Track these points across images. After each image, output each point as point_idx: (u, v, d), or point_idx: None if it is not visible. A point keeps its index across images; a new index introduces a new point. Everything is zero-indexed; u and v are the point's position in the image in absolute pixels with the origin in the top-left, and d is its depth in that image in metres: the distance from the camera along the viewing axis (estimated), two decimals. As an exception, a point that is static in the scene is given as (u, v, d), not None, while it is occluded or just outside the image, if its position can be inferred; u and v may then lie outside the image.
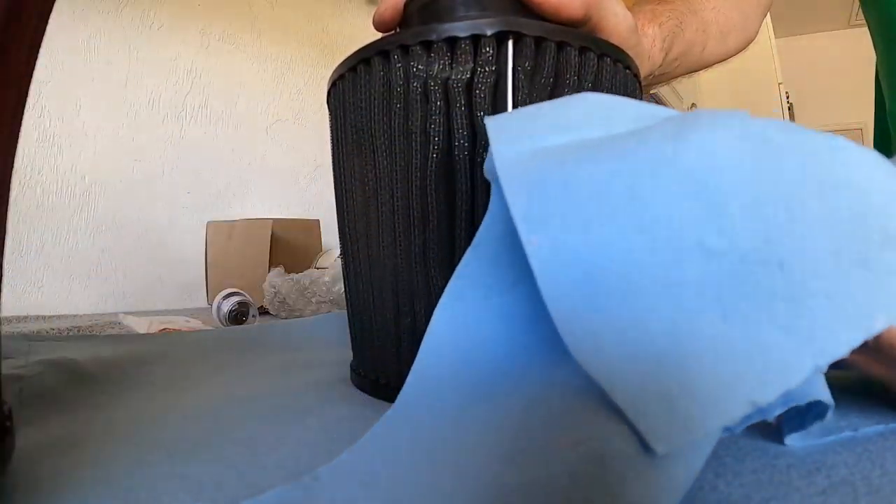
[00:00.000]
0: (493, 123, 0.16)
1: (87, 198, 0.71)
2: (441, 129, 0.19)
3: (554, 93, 0.20)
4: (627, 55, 0.22)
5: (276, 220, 0.69)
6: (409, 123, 0.20)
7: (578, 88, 0.20)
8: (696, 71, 0.43)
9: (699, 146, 0.13)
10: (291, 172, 0.95)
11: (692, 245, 0.12)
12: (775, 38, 2.11)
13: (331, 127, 0.25)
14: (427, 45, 0.20)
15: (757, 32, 0.48)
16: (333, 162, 0.25)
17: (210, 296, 0.77)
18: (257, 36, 0.92)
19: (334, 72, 0.23)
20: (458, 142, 0.19)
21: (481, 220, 0.17)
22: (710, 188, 0.12)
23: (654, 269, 0.12)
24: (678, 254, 0.12)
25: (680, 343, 0.11)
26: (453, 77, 0.19)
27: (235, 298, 0.47)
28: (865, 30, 0.51)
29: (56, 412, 0.20)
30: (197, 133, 0.83)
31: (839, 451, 0.15)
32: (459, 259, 0.17)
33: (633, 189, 0.13)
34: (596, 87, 0.20)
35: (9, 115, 0.12)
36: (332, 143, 0.25)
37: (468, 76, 0.19)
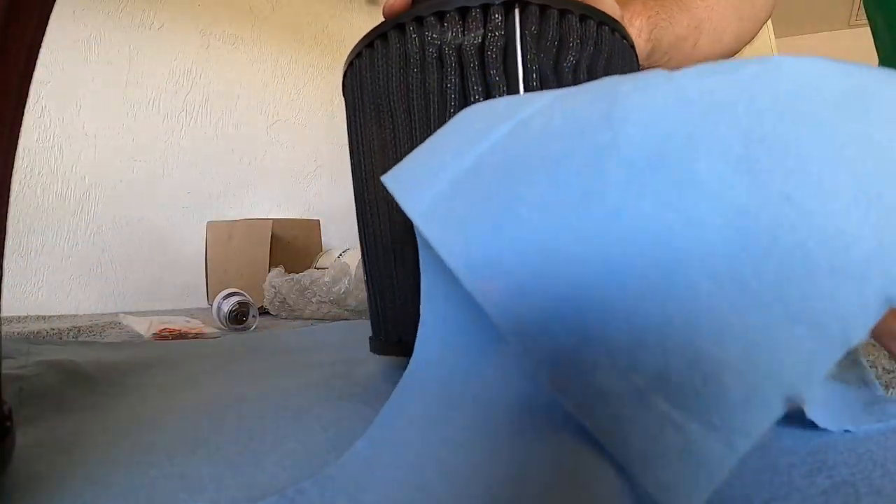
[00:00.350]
0: (390, 180, 0.15)
1: (87, 198, 0.71)
2: (457, 88, 0.21)
3: (559, 55, 0.22)
4: (622, 25, 0.24)
5: (276, 221, 0.69)
6: (427, 86, 0.22)
7: (581, 52, 0.22)
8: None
9: (641, 121, 0.11)
10: (291, 172, 0.95)
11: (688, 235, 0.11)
12: (775, 38, 2.11)
13: (347, 106, 0.26)
14: (440, 16, 0.22)
15: (755, 35, 0.49)
16: (350, 139, 0.26)
17: (210, 296, 0.77)
18: (257, 36, 0.92)
19: (350, 53, 0.25)
20: (474, 97, 0.21)
21: None
22: (677, 163, 0.11)
23: (650, 279, 0.11)
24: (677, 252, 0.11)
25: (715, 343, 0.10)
26: (466, 42, 0.21)
27: (235, 298, 0.47)
28: (865, 30, 0.51)
29: (56, 412, 0.20)
30: (197, 133, 0.83)
31: (841, 452, 0.15)
32: None
33: (588, 190, 0.11)
34: (597, 52, 0.23)
35: (9, 115, 0.12)
36: (349, 121, 0.26)
37: (480, 41, 0.21)
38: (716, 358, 0.10)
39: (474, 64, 0.21)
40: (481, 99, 0.21)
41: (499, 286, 0.12)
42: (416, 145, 0.20)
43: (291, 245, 0.72)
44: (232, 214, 0.85)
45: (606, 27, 0.23)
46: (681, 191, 0.11)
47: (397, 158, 0.21)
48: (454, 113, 0.21)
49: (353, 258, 0.62)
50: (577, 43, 0.22)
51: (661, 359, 0.10)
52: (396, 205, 0.21)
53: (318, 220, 0.80)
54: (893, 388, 0.21)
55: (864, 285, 0.10)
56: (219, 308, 0.47)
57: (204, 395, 0.22)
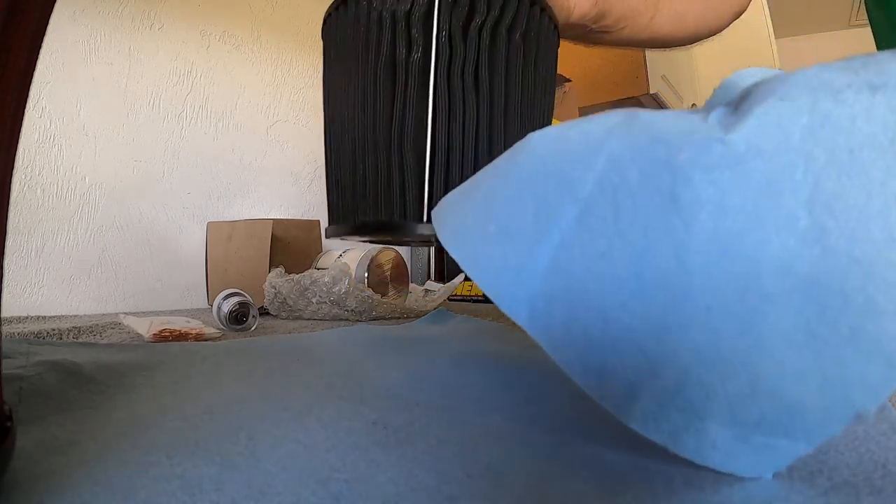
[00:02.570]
0: (472, 267, 0.16)
1: (87, 198, 0.71)
2: (388, 42, 0.28)
3: (469, 18, 0.28)
4: None
5: (276, 221, 0.69)
6: (368, 41, 0.29)
7: (487, 16, 0.28)
8: (654, 47, 0.45)
9: (710, 205, 0.12)
10: (291, 172, 0.95)
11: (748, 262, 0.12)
12: (775, 38, 2.11)
13: (323, 51, 0.34)
14: None
15: (726, 24, 0.49)
16: (324, 75, 0.34)
17: (210, 296, 0.77)
18: (257, 36, 0.92)
19: (327, 10, 0.32)
20: (398, 50, 0.28)
21: (412, 100, 0.28)
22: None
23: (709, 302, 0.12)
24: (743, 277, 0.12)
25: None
26: (399, 9, 0.28)
27: (236, 299, 0.47)
28: (865, 30, 0.51)
29: (56, 412, 0.20)
30: (197, 133, 0.83)
31: (842, 452, 0.15)
32: (396, 127, 0.28)
33: (669, 282, 0.13)
34: (501, 17, 0.29)
35: (9, 115, 0.12)
36: (324, 60, 0.34)
37: (409, 7, 0.28)
38: (795, 396, 0.12)
39: (402, 25, 0.28)
40: (404, 51, 0.28)
41: (608, 391, 0.14)
42: (362, 80, 0.29)
43: (291, 245, 0.72)
44: (232, 214, 0.85)
45: None
46: (757, 270, 0.12)
47: (350, 87, 0.30)
48: (384, 62, 0.28)
49: (354, 259, 0.62)
50: (484, 9, 0.28)
51: (754, 403, 0.12)
52: (354, 130, 0.30)
53: (318, 221, 0.80)
54: (894, 388, 0.21)
55: None
56: (219, 308, 0.47)
57: (204, 396, 0.22)
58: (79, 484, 0.13)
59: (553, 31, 0.34)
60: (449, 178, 0.28)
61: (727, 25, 0.49)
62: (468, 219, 0.16)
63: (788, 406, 0.12)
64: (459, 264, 0.16)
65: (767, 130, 0.12)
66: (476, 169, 0.26)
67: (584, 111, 1.27)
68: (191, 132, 0.82)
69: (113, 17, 0.74)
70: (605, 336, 0.13)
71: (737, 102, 0.13)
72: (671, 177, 0.13)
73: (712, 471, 0.14)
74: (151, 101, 0.78)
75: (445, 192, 0.25)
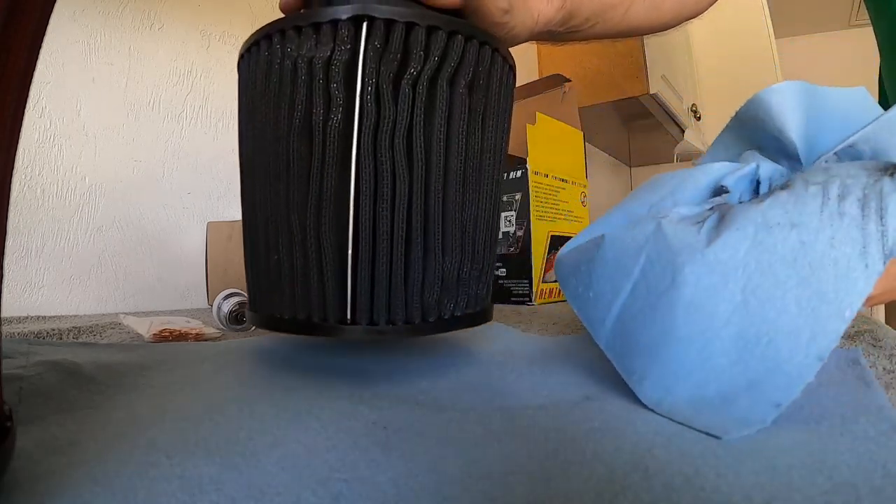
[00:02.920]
0: (580, 313, 0.27)
1: (87, 198, 0.71)
2: (304, 99, 0.23)
3: (402, 67, 0.23)
4: (483, 31, 0.25)
5: (276, 221, 0.69)
6: (281, 95, 0.24)
7: (424, 64, 0.23)
8: (631, 35, 0.43)
9: (692, 282, 0.22)
10: (291, 173, 0.95)
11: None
12: (775, 38, 2.11)
13: (238, 90, 0.28)
14: (298, 29, 0.23)
15: (703, 10, 0.48)
16: (239, 122, 0.28)
17: (210, 296, 0.77)
18: (257, 36, 0.92)
19: (241, 48, 0.27)
20: (316, 109, 0.23)
21: (330, 175, 0.23)
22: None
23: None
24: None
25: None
26: (317, 56, 0.22)
27: (236, 299, 0.47)
28: (865, 30, 0.51)
29: (56, 412, 0.20)
30: (197, 133, 0.83)
31: (841, 452, 0.15)
32: (312, 205, 0.23)
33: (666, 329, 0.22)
34: (443, 60, 0.23)
35: (9, 115, 0.12)
36: (238, 105, 0.28)
37: (328, 55, 0.22)
38: (732, 390, 0.19)
39: (320, 77, 0.22)
40: (322, 111, 0.23)
41: (633, 378, 0.22)
42: (270, 143, 0.24)
43: (291, 245, 0.72)
44: (232, 214, 0.85)
45: (460, 36, 0.24)
46: (713, 319, 0.20)
47: (260, 149, 0.25)
48: (299, 125, 0.23)
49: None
50: (420, 55, 0.23)
51: (711, 382, 0.20)
52: (266, 204, 0.25)
53: (318, 221, 0.80)
54: (893, 388, 0.21)
55: (799, 342, 0.18)
56: (219, 308, 0.47)
57: (204, 396, 0.22)
58: (79, 484, 0.13)
59: (508, 73, 0.28)
60: (375, 269, 0.23)
61: (706, 9, 0.48)
62: (578, 286, 0.28)
63: (726, 396, 0.19)
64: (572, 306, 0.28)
65: (727, 249, 0.21)
66: (408, 260, 0.23)
67: (585, 111, 1.27)
68: (191, 132, 0.82)
69: (113, 17, 0.74)
70: (636, 346, 0.23)
71: (721, 214, 0.22)
72: (673, 270, 0.22)
73: (712, 470, 0.14)
74: (151, 101, 0.78)
75: (372, 286, 0.23)
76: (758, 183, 0.26)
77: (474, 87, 0.24)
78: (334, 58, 0.22)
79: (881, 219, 0.18)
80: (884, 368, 0.24)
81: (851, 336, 0.30)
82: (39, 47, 0.12)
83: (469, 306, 0.27)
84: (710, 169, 0.27)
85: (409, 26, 0.23)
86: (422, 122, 0.23)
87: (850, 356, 0.25)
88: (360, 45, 0.22)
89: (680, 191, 0.27)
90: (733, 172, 0.26)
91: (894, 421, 0.17)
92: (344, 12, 0.22)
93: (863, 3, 0.51)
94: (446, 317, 0.25)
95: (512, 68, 0.28)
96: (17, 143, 0.12)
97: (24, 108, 0.12)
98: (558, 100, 0.89)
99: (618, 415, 0.19)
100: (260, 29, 0.25)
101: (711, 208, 0.24)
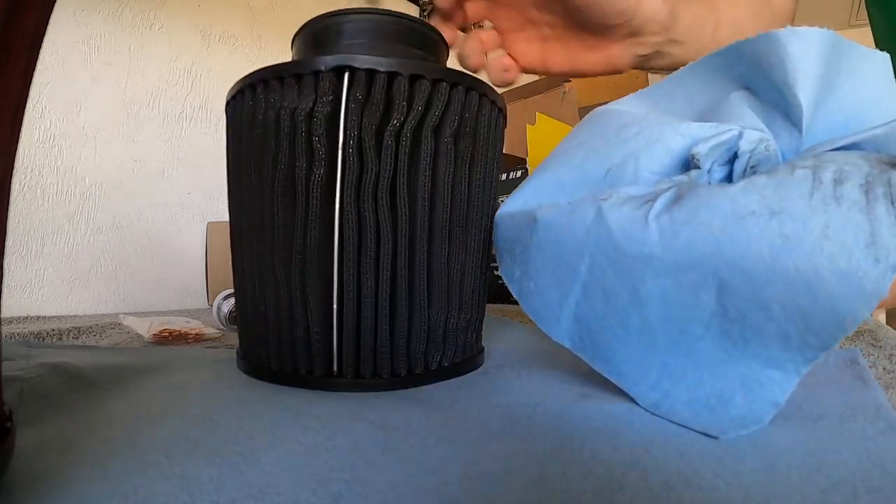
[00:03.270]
0: (530, 313, 0.24)
1: (87, 198, 0.71)
2: (286, 151, 0.22)
3: (385, 117, 0.22)
4: (471, 78, 0.24)
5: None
6: (265, 147, 0.23)
7: (408, 113, 0.22)
8: None
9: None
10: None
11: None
12: (775, 38, 2.11)
13: (226, 137, 0.28)
14: (281, 80, 0.23)
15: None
16: (227, 169, 0.28)
17: (210, 296, 0.77)
18: (257, 36, 0.92)
19: (227, 93, 0.26)
20: (299, 162, 0.22)
21: (314, 229, 0.22)
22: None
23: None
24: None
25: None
26: (300, 107, 0.22)
27: (235, 299, 0.47)
28: (865, 30, 0.51)
29: (56, 413, 0.20)
30: (197, 133, 0.83)
31: (840, 451, 0.15)
32: (297, 259, 0.23)
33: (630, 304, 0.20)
34: (427, 109, 0.23)
35: (9, 115, 0.12)
36: (226, 151, 0.28)
37: (311, 106, 0.22)
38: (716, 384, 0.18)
39: (303, 130, 0.22)
40: (305, 165, 0.22)
41: (626, 382, 0.21)
42: (255, 195, 0.24)
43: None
44: (232, 215, 0.85)
45: (444, 83, 0.23)
46: (688, 317, 0.19)
47: (244, 200, 0.25)
48: (282, 178, 0.23)
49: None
50: (403, 105, 0.22)
51: (698, 384, 0.19)
52: (252, 255, 0.25)
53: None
54: (893, 388, 0.21)
55: (789, 346, 0.16)
56: (219, 308, 0.47)
57: (203, 396, 0.22)
58: (79, 484, 0.13)
59: (497, 116, 0.27)
60: (361, 322, 0.23)
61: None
62: (514, 269, 0.25)
63: (721, 395, 0.18)
64: (517, 298, 0.25)
65: (688, 251, 0.18)
66: (394, 313, 0.23)
67: (585, 111, 1.27)
68: (191, 132, 0.82)
69: (113, 17, 0.74)
70: (615, 350, 0.21)
71: (678, 194, 0.19)
72: (633, 282, 0.19)
73: (710, 470, 0.14)
74: (151, 101, 0.78)
75: (358, 340, 0.23)
76: (734, 156, 0.22)
77: (460, 135, 0.24)
78: (316, 109, 0.22)
79: (893, 203, 0.14)
80: (884, 368, 0.24)
81: (851, 336, 0.30)
82: (39, 47, 0.12)
83: (457, 356, 0.26)
84: (686, 131, 0.22)
85: (392, 76, 0.22)
86: (405, 175, 0.23)
87: (849, 356, 0.25)
88: (341, 96, 0.22)
89: (645, 156, 0.22)
90: (709, 139, 0.22)
91: (892, 420, 0.17)
92: (325, 63, 0.22)
93: (863, 3, 0.51)
94: (433, 368, 0.25)
95: (501, 111, 0.27)
96: (17, 143, 0.12)
97: (24, 108, 0.12)
98: (558, 100, 0.89)
99: (616, 414, 0.19)
100: (244, 77, 0.24)
101: (669, 187, 0.20)
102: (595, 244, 0.20)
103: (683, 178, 0.21)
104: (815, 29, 0.20)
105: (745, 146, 0.21)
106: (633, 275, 0.19)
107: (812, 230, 0.15)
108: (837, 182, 0.15)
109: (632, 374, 0.20)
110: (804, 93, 0.20)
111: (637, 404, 0.20)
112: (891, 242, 0.14)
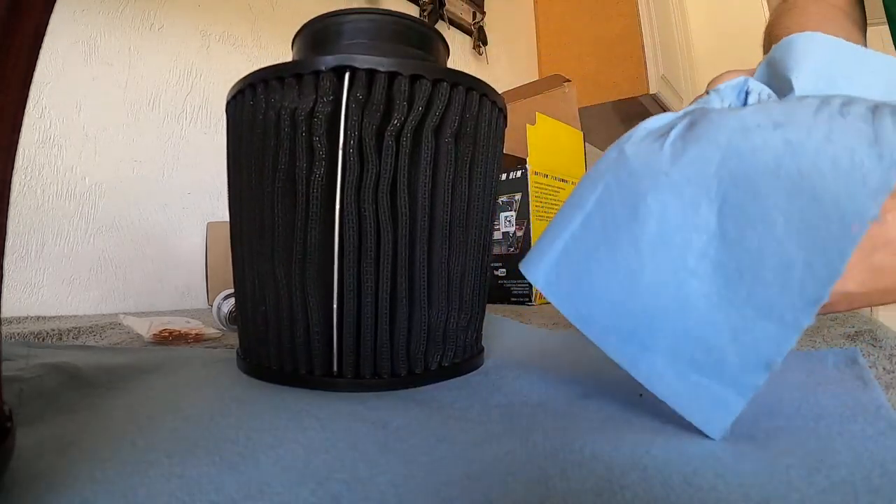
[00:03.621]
0: (523, 264, 0.22)
1: (87, 199, 0.71)
2: (286, 151, 0.22)
3: (385, 117, 0.22)
4: (471, 78, 0.24)
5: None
6: (265, 147, 0.23)
7: (408, 113, 0.22)
8: None
9: (654, 213, 0.18)
10: (291, 173, 0.95)
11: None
12: (775, 38, 2.11)
13: (226, 137, 0.28)
14: (281, 80, 0.23)
15: None
16: (227, 169, 0.28)
17: (210, 296, 0.77)
18: (257, 37, 0.92)
19: (228, 93, 0.26)
20: (299, 162, 0.22)
21: (314, 230, 0.22)
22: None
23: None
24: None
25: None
26: (300, 107, 0.22)
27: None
28: (877, 28, 0.51)
29: (56, 413, 0.20)
30: (197, 133, 0.83)
31: (839, 451, 0.15)
32: (297, 259, 0.23)
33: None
34: (428, 109, 0.23)
35: (9, 116, 0.12)
36: (227, 151, 0.28)
37: (311, 106, 0.22)
38: (715, 342, 0.16)
39: (303, 130, 0.22)
40: (305, 165, 0.22)
41: (594, 330, 0.19)
42: (255, 195, 0.24)
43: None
44: (232, 215, 0.85)
45: (445, 83, 0.23)
46: (684, 255, 0.18)
47: (245, 200, 0.25)
48: (283, 178, 0.23)
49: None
50: (404, 106, 0.22)
51: (686, 344, 0.17)
52: (252, 255, 0.25)
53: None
54: (893, 388, 0.21)
55: (791, 276, 0.15)
56: (218, 308, 0.47)
57: (203, 396, 0.22)
58: (79, 484, 0.13)
59: (498, 117, 0.27)
60: (361, 323, 0.23)
61: None
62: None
63: (711, 349, 0.16)
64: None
65: (694, 164, 0.17)
66: (394, 313, 0.23)
67: (584, 111, 1.27)
68: (191, 132, 0.82)
69: (113, 17, 0.74)
70: (591, 290, 0.20)
71: (692, 121, 0.18)
72: (634, 199, 0.18)
73: (710, 470, 0.14)
74: (151, 101, 0.78)
75: (358, 340, 0.23)
76: (746, 94, 0.23)
77: (461, 136, 0.24)
78: (317, 109, 0.22)
79: None
80: (884, 368, 0.24)
81: (851, 336, 0.30)
82: (39, 47, 0.12)
83: (457, 356, 0.26)
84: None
85: (392, 76, 0.22)
86: (406, 175, 0.22)
87: (849, 355, 0.25)
88: (342, 96, 0.22)
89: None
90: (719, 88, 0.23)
91: (892, 420, 0.17)
92: (325, 63, 0.22)
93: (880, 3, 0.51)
94: (433, 368, 0.25)
95: (502, 111, 0.27)
96: (17, 143, 0.12)
97: (24, 108, 0.12)
98: (558, 100, 0.89)
99: (616, 414, 0.19)
100: (244, 77, 0.24)
101: (683, 115, 0.20)
102: (612, 174, 0.20)
103: (697, 106, 0.21)
104: (825, 35, 0.22)
105: (754, 86, 0.23)
106: (636, 192, 0.18)
107: (815, 136, 0.15)
108: (845, 104, 0.15)
109: (603, 318, 0.19)
110: (798, 79, 0.22)
111: (638, 403, 0.20)
112: (894, 139, 0.13)
